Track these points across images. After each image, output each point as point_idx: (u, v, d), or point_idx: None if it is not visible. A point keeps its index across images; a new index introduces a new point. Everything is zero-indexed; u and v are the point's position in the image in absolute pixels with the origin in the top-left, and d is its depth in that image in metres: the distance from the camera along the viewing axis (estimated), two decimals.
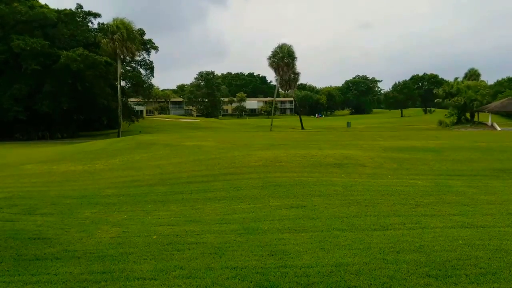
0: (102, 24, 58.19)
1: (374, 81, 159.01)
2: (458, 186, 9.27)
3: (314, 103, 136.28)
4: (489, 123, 52.31)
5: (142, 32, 59.25)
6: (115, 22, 49.32)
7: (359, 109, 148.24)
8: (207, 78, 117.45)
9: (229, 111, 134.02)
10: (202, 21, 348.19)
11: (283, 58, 61.50)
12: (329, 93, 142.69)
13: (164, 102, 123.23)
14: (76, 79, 49.97)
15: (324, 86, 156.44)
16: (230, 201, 8.34)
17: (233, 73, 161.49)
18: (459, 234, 5.81)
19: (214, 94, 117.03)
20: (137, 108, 78.05)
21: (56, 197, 9.33)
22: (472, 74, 75.05)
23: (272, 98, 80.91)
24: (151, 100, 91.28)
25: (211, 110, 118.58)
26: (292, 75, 64.51)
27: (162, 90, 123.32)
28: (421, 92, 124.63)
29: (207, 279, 4.49)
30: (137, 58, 59.07)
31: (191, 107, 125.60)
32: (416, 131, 40.61)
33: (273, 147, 17.00)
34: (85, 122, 64.46)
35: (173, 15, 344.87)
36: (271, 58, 62.13)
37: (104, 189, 10.21)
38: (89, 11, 57.09)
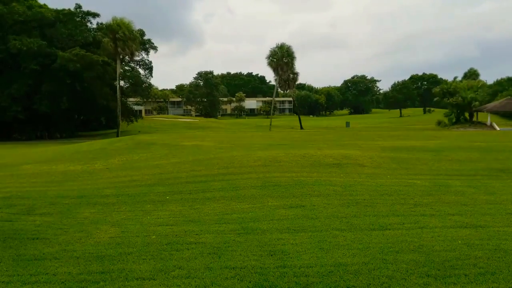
0: (101, 23, 58.26)
1: (373, 81, 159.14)
2: (457, 186, 9.27)
3: (313, 103, 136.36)
4: (488, 123, 52.37)
5: (142, 33, 59.29)
6: (115, 21, 49.18)
7: (358, 109, 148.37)
8: (206, 78, 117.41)
9: (228, 111, 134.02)
10: None
11: (282, 58, 61.52)
12: (328, 93, 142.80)
13: (163, 102, 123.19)
14: (75, 79, 49.97)
15: (323, 86, 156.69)
16: (229, 201, 8.34)
17: (232, 72, 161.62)
18: (458, 234, 5.81)
19: (213, 94, 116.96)
20: (136, 108, 78.14)
21: (55, 197, 9.31)
22: (472, 74, 75.24)
23: (271, 98, 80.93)
24: (150, 100, 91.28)
25: (210, 110, 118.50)
26: (291, 75, 64.57)
27: (161, 90, 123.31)
28: (420, 91, 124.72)
29: (206, 279, 4.48)
30: (136, 58, 59.13)
31: (190, 107, 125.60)
32: (415, 131, 40.68)
33: (272, 147, 17.01)
34: (84, 122, 64.51)
35: None
36: (270, 58, 62.16)
37: (103, 189, 10.20)
38: (88, 11, 57.12)
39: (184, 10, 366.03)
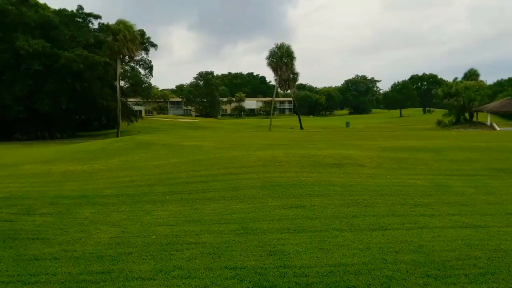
0: (103, 24, 58.46)
1: (373, 81, 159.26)
2: (457, 186, 9.27)
3: (313, 103, 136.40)
4: (488, 123, 52.39)
5: (142, 33, 59.42)
6: (118, 23, 49.67)
7: (358, 109, 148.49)
8: (206, 78, 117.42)
9: (228, 111, 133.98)
10: None
11: (282, 58, 61.54)
12: (328, 93, 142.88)
13: (163, 102, 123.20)
14: (76, 79, 50.07)
15: (323, 86, 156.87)
16: (229, 201, 8.34)
17: (232, 73, 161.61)
18: (458, 234, 5.81)
19: (213, 94, 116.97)
20: (136, 108, 78.20)
21: (55, 197, 9.31)
22: (472, 74, 75.25)
23: (271, 98, 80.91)
24: (150, 100, 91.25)
25: (210, 110, 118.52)
26: (291, 75, 64.54)
27: (161, 90, 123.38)
28: (420, 92, 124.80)
29: (206, 279, 4.48)
30: (136, 58, 59.24)
31: (190, 107, 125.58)
32: (415, 131, 40.66)
33: (272, 147, 17.00)
34: (84, 122, 64.55)
35: None
36: (270, 58, 62.18)
37: (103, 189, 10.20)
38: (90, 13, 57.44)
39: (286, 5, 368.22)
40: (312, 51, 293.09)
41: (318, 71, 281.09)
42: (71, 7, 57.53)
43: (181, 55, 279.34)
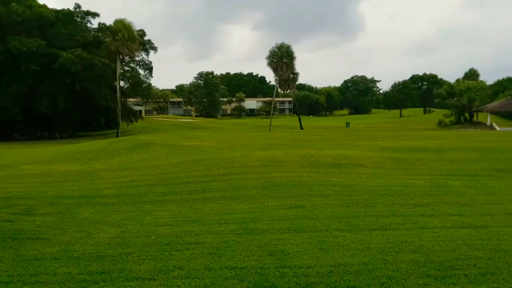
0: (103, 24, 58.43)
1: (373, 81, 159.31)
2: (457, 186, 9.27)
3: (313, 103, 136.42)
4: (488, 123, 52.42)
5: (142, 33, 59.35)
6: (116, 23, 49.60)
7: (358, 109, 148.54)
8: (206, 78, 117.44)
9: (228, 111, 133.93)
10: None
11: (282, 58, 61.51)
12: (328, 93, 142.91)
13: (163, 102, 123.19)
14: (75, 80, 50.05)
15: (323, 86, 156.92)
16: (229, 201, 8.33)
17: (232, 73, 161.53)
18: (458, 234, 5.81)
19: (213, 94, 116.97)
20: (136, 108, 78.17)
21: (55, 197, 9.31)
22: (472, 74, 75.42)
23: (271, 98, 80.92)
24: (150, 100, 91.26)
25: (210, 110, 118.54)
26: (291, 75, 64.49)
27: (161, 90, 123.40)
28: (420, 92, 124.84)
29: (206, 279, 4.48)
30: (136, 59, 59.24)
31: (190, 107, 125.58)
32: (415, 131, 40.65)
33: (272, 147, 17.01)
34: (84, 122, 64.53)
35: None
36: (270, 58, 62.14)
37: (103, 189, 10.20)
38: (87, 11, 57.17)
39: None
40: (375, 47, 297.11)
41: (374, 70, 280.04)
42: (70, 6, 57.24)
43: (237, 54, 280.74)
